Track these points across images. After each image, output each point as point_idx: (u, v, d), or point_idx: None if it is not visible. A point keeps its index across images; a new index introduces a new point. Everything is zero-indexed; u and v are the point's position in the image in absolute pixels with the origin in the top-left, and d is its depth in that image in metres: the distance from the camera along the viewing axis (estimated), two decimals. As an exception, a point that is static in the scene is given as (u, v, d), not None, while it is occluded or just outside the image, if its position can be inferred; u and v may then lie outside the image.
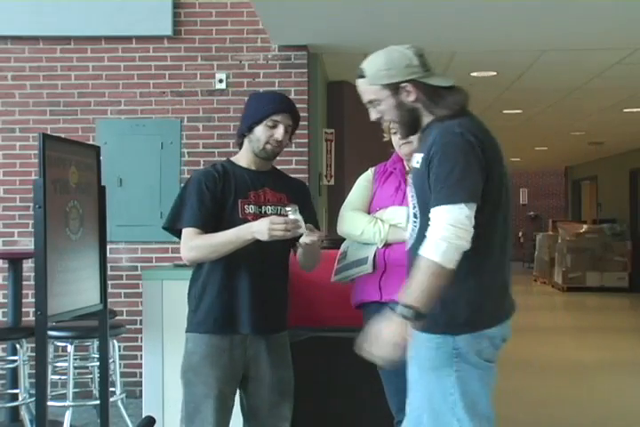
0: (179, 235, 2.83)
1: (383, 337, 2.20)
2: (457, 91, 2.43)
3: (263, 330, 2.82)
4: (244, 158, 2.91)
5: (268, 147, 2.83)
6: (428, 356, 2.37)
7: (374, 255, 3.03)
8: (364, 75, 2.46)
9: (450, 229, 2.20)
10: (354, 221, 3.08)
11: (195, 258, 2.77)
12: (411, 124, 2.46)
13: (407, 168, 3.08)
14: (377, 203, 3.11)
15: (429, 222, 2.26)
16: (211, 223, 2.77)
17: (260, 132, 2.82)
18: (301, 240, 2.69)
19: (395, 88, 2.41)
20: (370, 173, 3.25)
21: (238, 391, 2.90)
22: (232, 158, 2.95)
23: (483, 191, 2.30)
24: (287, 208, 2.71)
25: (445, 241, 2.19)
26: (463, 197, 2.23)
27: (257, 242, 2.69)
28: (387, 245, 3.01)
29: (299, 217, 2.67)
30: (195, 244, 2.74)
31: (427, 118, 2.42)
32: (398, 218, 2.98)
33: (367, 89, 2.46)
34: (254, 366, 2.83)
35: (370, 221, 3.05)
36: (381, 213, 3.05)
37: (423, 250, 2.22)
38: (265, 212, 2.82)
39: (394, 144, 3.16)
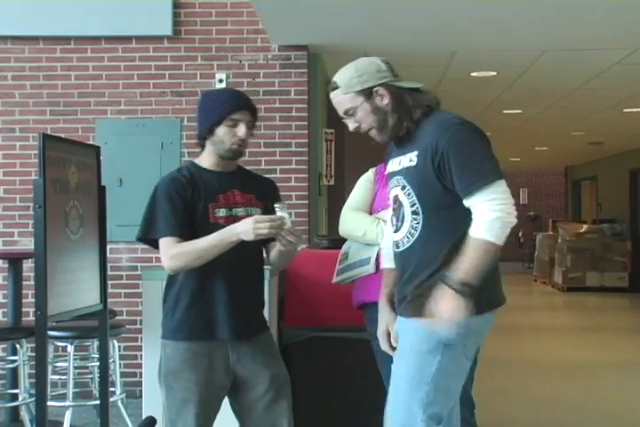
0: (153, 245, 2.78)
1: (441, 312, 2.30)
2: (426, 92, 2.55)
3: (242, 334, 2.78)
4: (207, 160, 2.84)
5: (234, 147, 2.77)
6: (414, 342, 2.41)
7: (376, 256, 3.02)
8: (336, 86, 2.53)
9: (497, 207, 2.33)
10: (356, 222, 3.07)
11: (178, 266, 2.69)
12: (390, 129, 2.50)
13: None
14: (379, 203, 3.10)
15: (473, 209, 2.36)
16: (187, 230, 2.71)
17: (222, 133, 2.76)
18: (284, 238, 2.63)
19: (368, 93, 2.49)
20: (371, 173, 3.24)
21: (230, 396, 2.84)
22: (196, 161, 2.88)
23: None
24: (275, 205, 2.67)
25: (499, 221, 2.32)
26: (493, 177, 2.36)
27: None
28: None
29: (285, 214, 2.65)
30: (176, 252, 2.67)
31: (404, 121, 2.47)
32: None
33: (342, 99, 2.53)
34: (241, 368, 2.78)
35: (372, 221, 3.04)
36: (383, 214, 3.04)
37: (475, 231, 2.34)
38: (236, 214, 2.76)
39: None
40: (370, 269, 3.03)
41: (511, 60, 6.56)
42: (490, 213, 2.33)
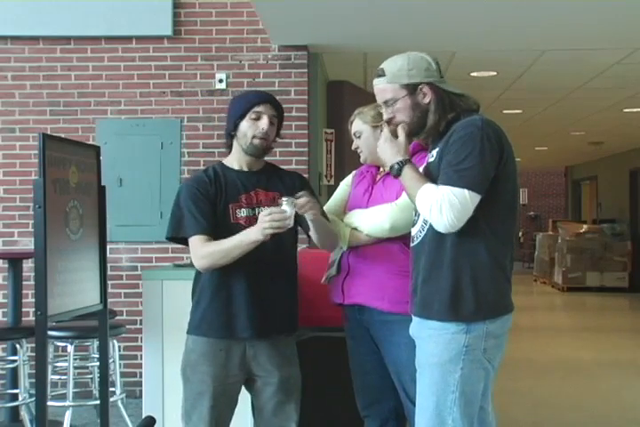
0: (183, 243, 2.83)
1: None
2: (467, 97, 2.56)
3: (262, 334, 2.81)
4: (234, 160, 2.90)
5: (256, 141, 2.81)
6: (435, 352, 2.42)
7: (339, 258, 3.06)
8: (383, 74, 2.54)
9: (446, 208, 2.32)
10: None
11: (207, 265, 2.75)
12: (418, 125, 2.53)
13: (381, 170, 3.10)
14: (349, 206, 3.13)
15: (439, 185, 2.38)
16: (213, 228, 2.76)
17: (246, 126, 2.81)
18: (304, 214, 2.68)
19: (413, 88, 2.51)
20: (350, 176, 3.27)
21: (249, 392, 2.90)
22: (224, 161, 2.94)
23: (499, 191, 2.41)
24: (283, 198, 2.67)
25: (436, 209, 2.33)
26: (468, 184, 2.33)
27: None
28: (351, 248, 3.02)
29: (287, 208, 2.63)
30: (205, 252, 2.73)
31: (442, 122, 2.49)
32: (356, 221, 3.00)
33: (385, 88, 2.54)
34: (256, 365, 2.83)
35: (335, 224, 3.07)
36: (346, 217, 3.08)
37: (431, 189, 2.38)
38: (259, 213, 2.76)
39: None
40: (332, 271, 3.08)
41: (511, 60, 6.56)
42: (437, 201, 2.35)
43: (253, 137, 2.81)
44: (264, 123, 2.81)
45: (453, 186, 2.33)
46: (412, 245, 2.59)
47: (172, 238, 2.86)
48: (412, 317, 2.57)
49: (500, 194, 2.42)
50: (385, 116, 2.57)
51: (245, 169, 2.89)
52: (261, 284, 2.80)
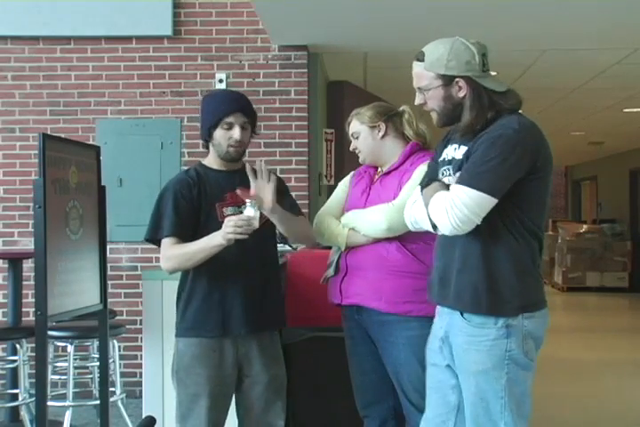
0: (158, 244, 2.84)
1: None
2: (509, 96, 2.46)
3: (255, 329, 2.83)
4: (213, 161, 2.92)
5: (231, 149, 2.84)
6: (476, 359, 2.39)
7: (338, 259, 3.06)
8: (422, 59, 2.45)
9: (459, 210, 2.27)
10: (320, 225, 3.11)
11: (172, 268, 2.79)
12: (450, 117, 2.47)
13: (379, 170, 3.10)
14: (347, 206, 3.13)
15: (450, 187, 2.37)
16: (188, 231, 2.77)
17: (219, 136, 2.84)
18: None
19: (449, 80, 2.41)
20: (349, 176, 3.27)
21: (235, 391, 2.91)
22: (203, 161, 2.96)
23: (533, 191, 2.38)
24: (247, 201, 2.68)
25: (448, 216, 2.30)
26: (485, 187, 2.28)
27: (236, 242, 2.68)
28: (349, 248, 3.02)
29: (251, 213, 2.64)
30: (171, 254, 2.76)
31: (480, 119, 2.40)
32: (353, 222, 3.00)
33: (421, 73, 2.46)
34: (247, 364, 2.85)
35: (333, 225, 3.07)
36: (343, 217, 3.07)
37: (432, 204, 2.37)
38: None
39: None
40: (330, 271, 3.08)
41: (511, 60, 6.55)
42: (448, 205, 2.31)
43: (228, 146, 2.84)
44: (236, 133, 2.82)
45: (469, 187, 2.28)
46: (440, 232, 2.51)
47: (150, 240, 2.86)
48: (443, 310, 2.50)
49: (535, 193, 2.38)
50: (417, 101, 2.51)
51: (225, 169, 2.91)
52: (251, 278, 2.83)
